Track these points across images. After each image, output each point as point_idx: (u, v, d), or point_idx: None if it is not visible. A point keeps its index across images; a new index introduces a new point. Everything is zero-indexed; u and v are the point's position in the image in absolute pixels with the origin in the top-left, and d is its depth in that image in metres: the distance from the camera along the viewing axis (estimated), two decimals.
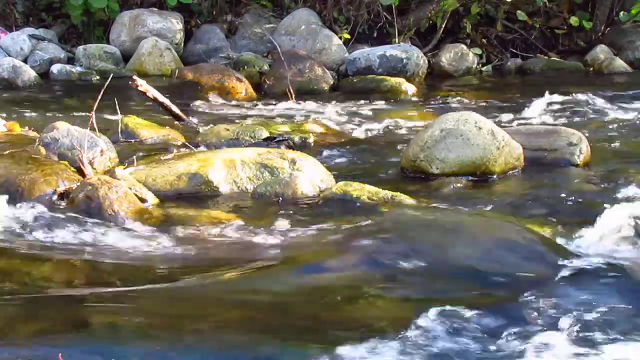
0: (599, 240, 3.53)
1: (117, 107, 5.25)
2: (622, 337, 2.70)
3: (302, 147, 5.24)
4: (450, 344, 2.65)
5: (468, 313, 2.83)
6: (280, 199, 4.20)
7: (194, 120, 6.17)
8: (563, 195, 4.28)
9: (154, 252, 3.57)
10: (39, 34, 8.31)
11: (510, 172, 4.69)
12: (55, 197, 4.10)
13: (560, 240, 3.55)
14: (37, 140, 4.75)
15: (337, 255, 3.36)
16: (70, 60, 8.17)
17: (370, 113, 6.72)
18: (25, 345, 2.61)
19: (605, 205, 3.92)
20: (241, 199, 4.28)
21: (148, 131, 5.40)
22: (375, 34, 8.87)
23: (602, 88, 7.55)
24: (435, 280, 3.16)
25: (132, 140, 5.26)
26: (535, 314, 2.85)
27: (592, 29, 9.22)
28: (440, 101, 7.35)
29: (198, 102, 7.02)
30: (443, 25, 8.88)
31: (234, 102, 7.15)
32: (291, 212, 4.06)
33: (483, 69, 8.90)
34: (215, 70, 7.56)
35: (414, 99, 7.48)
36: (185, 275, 3.26)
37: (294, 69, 7.70)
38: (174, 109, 6.04)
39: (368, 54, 8.14)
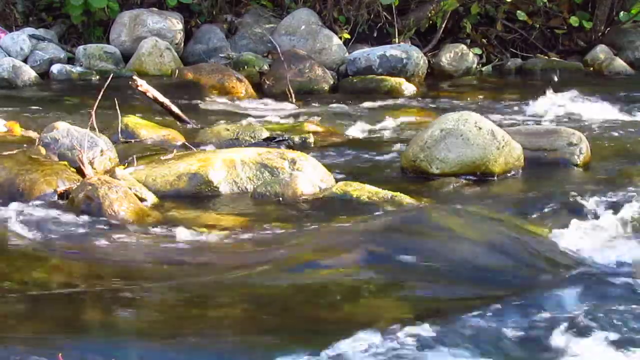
0: (599, 240, 3.53)
1: (117, 107, 5.25)
2: (622, 337, 2.70)
3: (302, 147, 5.23)
4: (450, 343, 2.65)
5: (468, 313, 2.83)
6: (280, 199, 4.20)
7: (194, 120, 6.16)
8: (563, 195, 4.27)
9: (154, 252, 3.57)
10: (39, 34, 8.30)
11: (510, 172, 4.68)
12: (55, 197, 4.10)
13: (560, 240, 3.55)
14: (37, 140, 4.74)
15: (337, 255, 3.37)
16: (70, 60, 8.15)
17: (370, 113, 6.71)
18: (25, 345, 2.61)
19: (605, 205, 3.93)
20: (241, 199, 4.28)
21: (148, 131, 5.40)
22: (375, 34, 8.86)
23: (602, 88, 7.55)
24: (435, 280, 3.16)
25: (132, 140, 5.26)
26: (535, 313, 2.86)
27: (592, 29, 9.21)
28: (440, 101, 7.34)
29: (198, 102, 7.02)
30: (443, 25, 8.87)
31: (234, 102, 7.15)
32: (291, 212, 4.06)
33: (483, 69, 8.89)
34: (215, 70, 7.55)
35: (414, 99, 7.47)
36: (185, 275, 3.26)
37: (294, 69, 7.70)
38: (174, 109, 6.03)
39: (368, 54, 8.13)
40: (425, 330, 2.71)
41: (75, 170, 4.37)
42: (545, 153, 4.89)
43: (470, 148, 4.60)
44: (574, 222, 3.73)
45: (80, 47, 8.20)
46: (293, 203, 4.17)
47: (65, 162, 4.47)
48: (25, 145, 4.74)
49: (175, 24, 8.44)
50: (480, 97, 7.55)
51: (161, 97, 5.95)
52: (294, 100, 7.21)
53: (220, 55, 8.38)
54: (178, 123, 6.00)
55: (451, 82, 8.43)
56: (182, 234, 3.75)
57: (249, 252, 3.55)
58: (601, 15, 9.21)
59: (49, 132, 4.74)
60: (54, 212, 3.92)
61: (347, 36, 8.69)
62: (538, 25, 9.23)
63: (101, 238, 3.67)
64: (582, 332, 2.73)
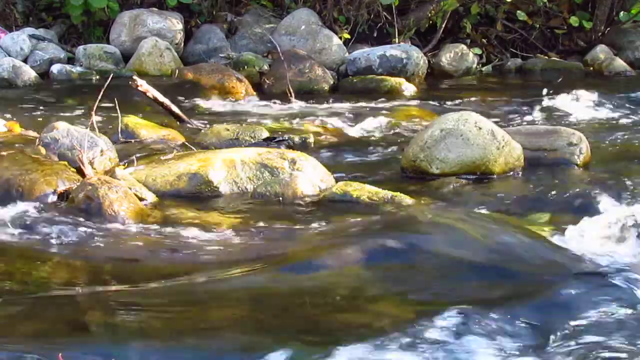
0: (599, 241, 3.53)
1: (117, 107, 5.25)
2: (621, 338, 2.70)
3: (302, 147, 5.23)
4: (450, 344, 2.65)
5: (468, 313, 2.83)
6: (280, 199, 4.20)
7: (194, 120, 6.17)
8: (563, 195, 4.27)
9: (154, 252, 3.57)
10: (39, 34, 8.30)
11: (510, 172, 4.69)
12: (55, 197, 4.10)
13: (560, 241, 3.55)
14: (37, 140, 4.74)
15: (337, 255, 3.36)
16: (70, 60, 8.16)
17: (370, 113, 6.71)
18: (25, 345, 2.61)
19: (605, 205, 3.92)
20: (241, 199, 4.28)
21: (148, 131, 5.40)
22: (375, 34, 8.87)
23: (602, 88, 7.54)
24: (435, 280, 3.16)
25: (132, 140, 5.26)
26: (535, 314, 2.86)
27: (592, 29, 9.22)
28: (440, 101, 7.35)
29: (198, 102, 7.02)
30: (443, 25, 8.88)
31: (234, 102, 7.15)
32: (291, 212, 4.06)
33: (483, 69, 8.89)
34: (215, 70, 7.55)
35: (414, 99, 7.48)
36: (185, 275, 3.26)
37: (294, 69, 7.70)
38: (174, 109, 6.03)
39: (368, 54, 8.13)
40: (426, 330, 2.71)
41: (75, 170, 4.37)
42: (545, 153, 4.89)
43: (470, 148, 4.60)
44: (574, 221, 3.73)
45: (80, 47, 8.20)
46: (293, 203, 4.17)
47: (65, 162, 4.47)
48: (25, 145, 4.74)
49: (175, 24, 8.44)
50: (480, 97, 7.55)
51: (161, 97, 5.95)
52: (294, 100, 7.21)
53: (220, 55, 8.38)
54: (178, 123, 6.00)
55: (451, 82, 8.43)
56: (182, 234, 3.75)
57: (249, 252, 3.55)
58: (601, 15, 9.22)
59: (49, 132, 4.74)
60: (54, 212, 3.92)
61: (347, 36, 8.69)
62: (538, 25, 9.24)
63: (101, 238, 3.67)
64: (582, 331, 2.74)
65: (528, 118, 6.52)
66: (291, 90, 7.32)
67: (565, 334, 2.72)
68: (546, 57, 9.11)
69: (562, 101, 6.85)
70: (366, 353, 2.57)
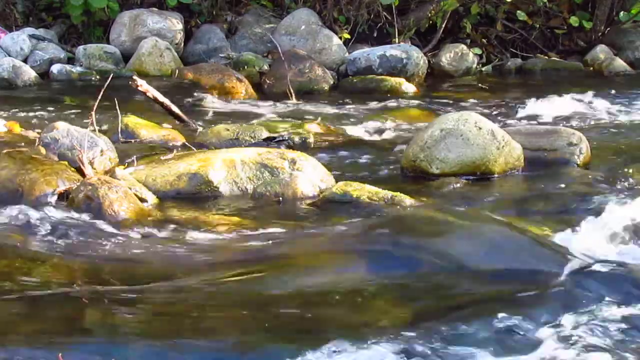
0: (599, 240, 3.53)
1: (117, 107, 5.25)
2: (621, 337, 2.71)
3: (302, 147, 5.23)
4: (450, 344, 2.65)
5: (468, 313, 2.83)
6: (280, 199, 4.21)
7: (194, 120, 6.16)
8: (563, 195, 4.27)
9: (154, 252, 3.57)
10: (39, 34, 8.30)
11: (510, 172, 4.69)
12: (55, 197, 4.10)
13: (560, 240, 3.55)
14: (37, 140, 4.75)
15: (337, 255, 3.37)
16: (70, 60, 8.15)
17: (370, 113, 6.72)
18: (25, 345, 2.61)
19: (605, 205, 3.92)
20: (241, 199, 4.28)
21: (148, 131, 5.40)
22: (375, 34, 8.86)
23: (602, 88, 7.55)
24: (435, 280, 3.16)
25: (132, 140, 5.26)
26: (535, 314, 2.86)
27: (592, 29, 9.21)
28: (440, 101, 7.35)
29: (198, 102, 7.01)
30: (443, 25, 8.87)
31: (234, 102, 7.15)
32: (291, 212, 4.06)
33: (483, 69, 8.89)
34: (215, 70, 7.55)
35: (414, 99, 7.47)
36: (185, 275, 3.26)
37: (294, 69, 7.70)
38: (174, 108, 6.03)
39: (368, 54, 8.13)
40: (426, 331, 2.71)
41: (75, 170, 4.37)
42: (545, 153, 4.88)
43: (470, 148, 4.60)
44: (574, 221, 3.73)
45: (80, 47, 8.20)
46: (293, 203, 4.17)
47: (65, 162, 4.47)
48: (25, 145, 4.74)
49: (175, 24, 8.44)
50: (480, 97, 7.55)
51: (161, 97, 5.94)
52: (294, 100, 7.21)
53: (220, 55, 8.38)
54: (178, 123, 6.00)
55: (451, 82, 8.43)
56: (182, 234, 3.75)
57: (249, 252, 3.55)
58: (601, 15, 9.21)
59: (49, 132, 4.74)
60: (54, 212, 3.92)
61: (347, 36, 8.69)
62: (538, 25, 9.23)
63: (101, 238, 3.67)
64: (583, 331, 2.73)
65: (528, 118, 6.51)
66: (291, 90, 7.32)
67: (566, 333, 2.72)
68: (546, 57, 9.10)
69: (562, 101, 6.84)
70: (365, 353, 2.57)
